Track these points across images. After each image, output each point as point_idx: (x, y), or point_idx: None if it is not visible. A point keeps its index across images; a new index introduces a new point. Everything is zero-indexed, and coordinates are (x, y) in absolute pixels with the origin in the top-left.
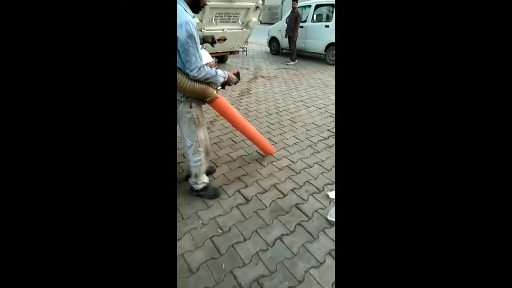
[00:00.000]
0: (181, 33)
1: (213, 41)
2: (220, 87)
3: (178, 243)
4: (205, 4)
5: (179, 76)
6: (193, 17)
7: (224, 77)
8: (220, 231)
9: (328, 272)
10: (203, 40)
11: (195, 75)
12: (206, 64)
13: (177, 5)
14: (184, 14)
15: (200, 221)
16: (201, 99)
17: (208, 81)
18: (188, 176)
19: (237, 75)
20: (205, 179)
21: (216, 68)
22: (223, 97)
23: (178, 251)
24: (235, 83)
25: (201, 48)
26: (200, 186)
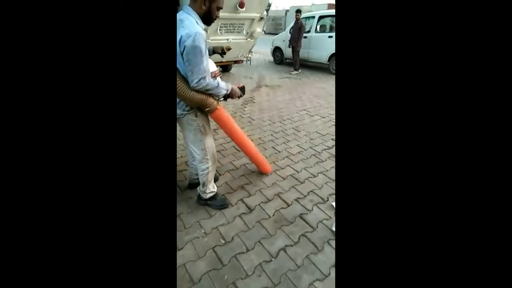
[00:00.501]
0: (188, 43)
1: (222, 52)
2: (222, 99)
3: (180, 252)
4: (217, 17)
5: (180, 84)
6: (204, 28)
7: (227, 90)
8: (223, 241)
9: (333, 285)
10: (213, 51)
11: (195, 85)
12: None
13: (189, 16)
14: (195, 26)
15: (203, 230)
16: (201, 108)
17: (209, 92)
18: (191, 184)
19: (242, 89)
20: (213, 188)
21: (220, 77)
22: (224, 110)
23: (180, 261)
24: (239, 97)
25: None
26: (208, 195)
